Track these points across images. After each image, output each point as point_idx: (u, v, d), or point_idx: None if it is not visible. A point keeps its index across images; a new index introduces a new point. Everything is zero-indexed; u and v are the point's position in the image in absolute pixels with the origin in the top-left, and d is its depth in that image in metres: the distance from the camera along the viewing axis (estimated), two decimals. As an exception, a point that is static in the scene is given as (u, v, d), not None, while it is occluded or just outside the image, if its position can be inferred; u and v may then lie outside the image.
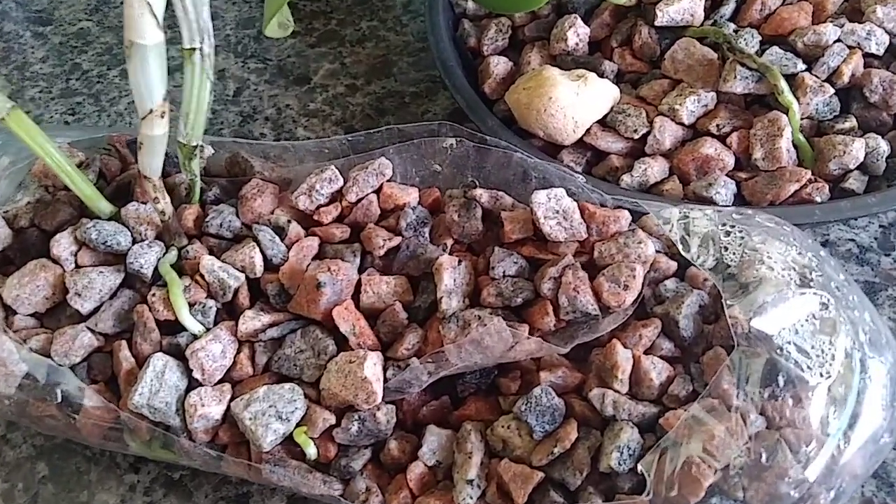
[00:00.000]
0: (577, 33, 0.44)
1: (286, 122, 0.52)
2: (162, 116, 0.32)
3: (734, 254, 0.30)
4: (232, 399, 0.34)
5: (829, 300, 0.28)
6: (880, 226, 0.42)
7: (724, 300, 0.29)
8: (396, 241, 0.36)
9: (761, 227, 0.31)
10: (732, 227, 0.31)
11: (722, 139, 0.40)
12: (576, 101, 0.41)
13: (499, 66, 0.45)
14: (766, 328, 0.28)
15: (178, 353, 0.34)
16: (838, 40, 0.41)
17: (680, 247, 0.31)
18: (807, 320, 0.28)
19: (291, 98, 0.53)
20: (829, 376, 0.27)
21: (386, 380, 0.33)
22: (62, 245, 0.36)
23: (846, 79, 0.40)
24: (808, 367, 0.27)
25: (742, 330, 0.28)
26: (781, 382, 0.27)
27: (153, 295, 0.35)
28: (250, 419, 0.32)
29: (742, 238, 0.30)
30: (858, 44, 0.41)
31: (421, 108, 0.52)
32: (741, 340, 0.28)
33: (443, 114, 0.51)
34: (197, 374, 0.34)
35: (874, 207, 0.37)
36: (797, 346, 0.28)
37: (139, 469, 0.38)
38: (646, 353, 0.33)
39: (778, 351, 0.27)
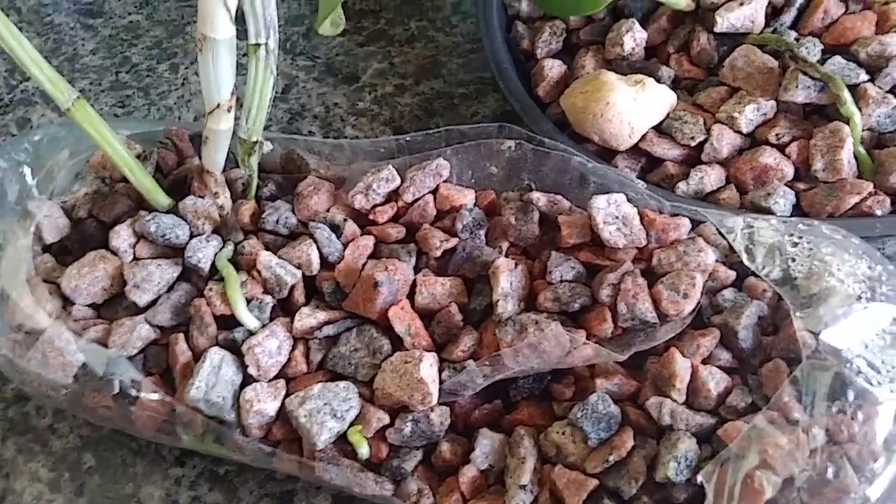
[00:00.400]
0: (633, 38, 0.44)
1: (334, 120, 0.52)
2: (229, 111, 0.32)
3: (802, 265, 0.29)
4: (286, 396, 0.34)
5: (900, 315, 0.28)
6: (941, 240, 0.42)
7: (792, 312, 0.28)
8: (453, 242, 0.36)
9: (828, 239, 0.30)
10: (800, 237, 0.30)
11: (781, 149, 0.40)
12: (633, 107, 0.40)
13: (553, 69, 0.45)
14: (836, 341, 0.27)
15: (235, 348, 0.34)
16: (903, 51, 0.40)
17: (745, 257, 0.31)
18: (877, 335, 0.28)
19: (340, 97, 0.53)
20: (900, 393, 0.27)
21: (441, 381, 0.33)
22: (121, 237, 0.37)
23: (910, 91, 0.40)
24: (879, 383, 0.27)
25: (810, 342, 0.28)
26: (850, 397, 0.27)
27: (210, 289, 0.35)
28: (305, 417, 0.33)
29: (810, 249, 0.30)
30: (923, 55, 0.40)
31: (470, 109, 0.51)
32: (809, 353, 0.27)
33: (492, 116, 0.51)
34: (252, 370, 0.34)
35: (937, 222, 0.37)
36: (867, 361, 0.27)
37: (185, 463, 0.38)
38: (703, 362, 0.33)
39: (847, 365, 0.27)
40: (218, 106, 0.31)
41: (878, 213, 0.38)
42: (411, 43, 0.56)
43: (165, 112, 0.54)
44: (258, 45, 0.32)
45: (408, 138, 0.39)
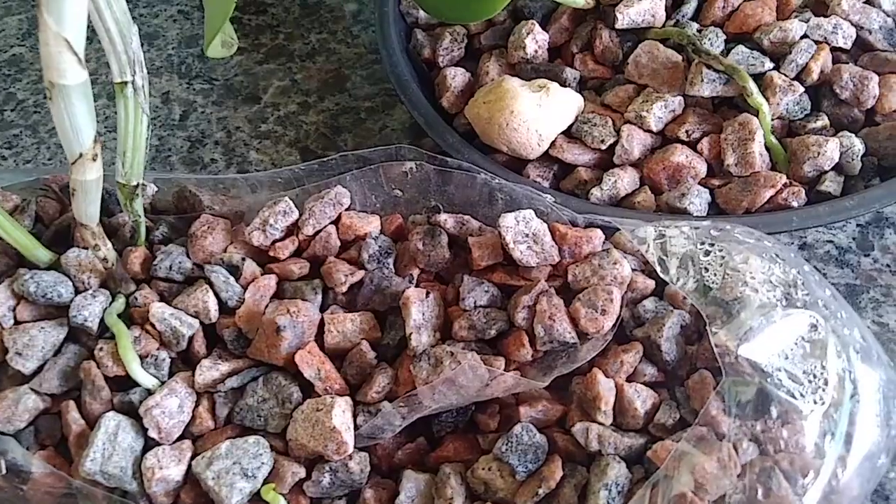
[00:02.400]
0: (535, 40, 0.42)
1: (237, 145, 0.50)
2: (94, 160, 0.30)
3: (715, 275, 0.28)
4: (193, 457, 0.31)
5: (817, 320, 0.27)
6: (858, 225, 0.41)
7: (707, 326, 0.27)
8: (359, 275, 0.34)
9: (741, 244, 0.29)
10: (711, 245, 0.29)
11: (692, 145, 0.39)
12: (539, 114, 0.39)
13: (456, 78, 0.43)
14: (755, 355, 0.26)
15: (132, 411, 0.32)
16: (805, 36, 0.40)
17: (658, 269, 0.30)
18: (796, 343, 0.27)
19: (241, 120, 0.51)
20: (823, 402, 0.26)
21: (357, 427, 0.31)
22: (-2, 300, 0.34)
23: (815, 76, 0.39)
24: (801, 395, 0.26)
25: (729, 358, 0.26)
26: (774, 413, 0.26)
27: (101, 349, 0.33)
28: (213, 479, 0.30)
29: (723, 258, 0.28)
30: (825, 38, 0.40)
31: (378, 123, 0.49)
32: (729, 370, 0.26)
33: (401, 128, 0.49)
34: (153, 434, 0.31)
35: (852, 211, 0.36)
36: (788, 373, 0.26)
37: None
38: (628, 380, 0.31)
39: (768, 379, 0.26)
40: (81, 156, 0.29)
41: (794, 204, 0.37)
42: (312, 57, 0.54)
43: (56, 150, 0.51)
44: (124, 83, 0.30)
45: (304, 167, 0.36)
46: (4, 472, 0.31)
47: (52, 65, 0.26)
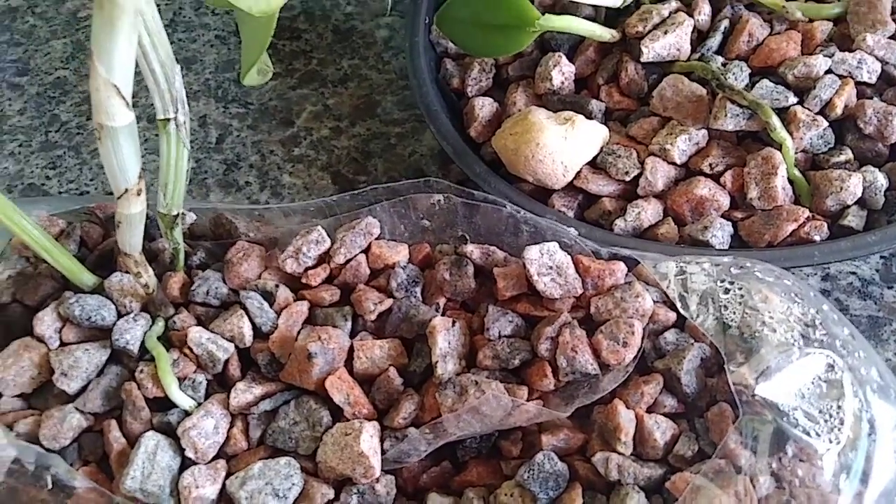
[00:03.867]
0: (561, 72, 0.43)
1: (271, 168, 0.51)
2: (138, 194, 0.31)
3: (734, 313, 0.29)
4: (227, 476, 0.33)
5: (834, 360, 0.27)
6: (881, 257, 0.42)
7: (726, 364, 0.28)
8: (388, 303, 0.35)
9: (761, 282, 0.30)
10: (731, 283, 0.30)
11: (716, 178, 0.40)
12: (564, 146, 0.40)
13: (484, 108, 0.44)
14: (772, 394, 0.27)
15: (170, 431, 0.33)
16: (829, 71, 0.40)
17: (678, 305, 0.31)
18: (812, 383, 0.27)
19: (275, 143, 0.52)
20: (839, 442, 0.26)
21: (384, 451, 0.32)
22: (45, 323, 0.35)
23: (839, 111, 0.40)
24: (818, 434, 0.26)
25: (747, 397, 0.27)
26: (791, 451, 0.27)
27: (141, 371, 0.34)
28: (246, 499, 0.32)
29: (742, 297, 0.29)
30: (850, 73, 0.40)
31: (408, 148, 0.51)
32: (746, 408, 0.27)
33: (430, 154, 0.50)
34: (190, 453, 0.33)
35: (874, 247, 0.36)
36: (804, 412, 0.27)
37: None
38: (648, 410, 0.32)
39: (785, 418, 0.27)
40: (126, 191, 0.30)
41: (817, 238, 0.38)
42: (344, 83, 0.55)
43: (98, 171, 0.53)
44: (167, 119, 0.31)
45: (334, 198, 0.38)
46: (50, 486, 0.33)
47: (102, 108, 0.27)
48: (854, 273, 0.42)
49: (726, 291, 0.30)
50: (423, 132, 0.51)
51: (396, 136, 0.51)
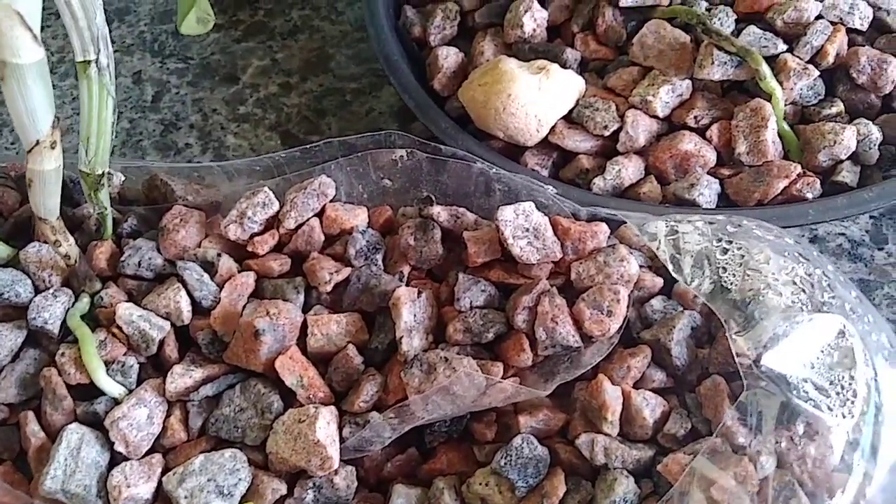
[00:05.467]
0: (533, 18, 0.40)
1: (214, 128, 0.47)
2: (52, 147, 0.27)
3: (734, 275, 0.26)
4: (164, 472, 0.29)
5: (845, 326, 0.25)
6: (871, 217, 0.39)
7: (728, 333, 0.25)
8: (346, 272, 0.31)
9: (761, 241, 0.27)
10: (729, 243, 0.27)
11: (701, 132, 0.37)
12: (538, 97, 0.36)
13: (448, 58, 0.40)
14: (779, 365, 0.24)
15: (97, 423, 0.29)
16: (820, 16, 0.37)
17: (670, 268, 0.28)
18: (822, 351, 0.24)
19: (218, 101, 0.48)
20: (852, 416, 0.24)
21: (343, 439, 0.29)
22: (-50, 300, 0.31)
23: (831, 59, 0.37)
24: (829, 408, 0.24)
25: (751, 368, 0.24)
26: (800, 428, 0.24)
27: (62, 354, 0.30)
28: (186, 498, 0.28)
29: (742, 256, 0.26)
30: (841, 19, 0.38)
31: (364, 106, 0.47)
32: (751, 381, 0.24)
33: (389, 111, 0.46)
34: (120, 447, 0.29)
35: (871, 203, 0.34)
36: (814, 384, 0.24)
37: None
38: (636, 386, 0.29)
39: (794, 392, 0.24)
40: (37, 143, 0.26)
41: (809, 196, 0.35)
42: (294, 35, 0.51)
43: (13, 139, 0.48)
44: (87, 62, 0.27)
45: (284, 154, 0.34)
46: (-43, 489, 0.29)
47: (4, 42, 0.23)
48: (843, 234, 0.39)
49: (724, 252, 0.27)
50: (382, 88, 0.47)
51: (352, 92, 0.47)
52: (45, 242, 0.32)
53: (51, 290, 0.31)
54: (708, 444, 0.26)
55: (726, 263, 0.26)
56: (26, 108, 0.25)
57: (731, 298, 0.26)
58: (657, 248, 0.28)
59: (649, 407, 0.28)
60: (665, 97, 0.37)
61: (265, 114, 0.47)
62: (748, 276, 0.26)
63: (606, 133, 0.37)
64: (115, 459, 0.29)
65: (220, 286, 0.32)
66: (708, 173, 0.36)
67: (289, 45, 0.50)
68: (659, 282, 0.31)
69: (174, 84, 0.49)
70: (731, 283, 0.26)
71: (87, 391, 0.30)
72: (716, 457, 0.26)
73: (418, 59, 0.43)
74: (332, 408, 0.29)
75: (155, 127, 0.47)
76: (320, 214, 0.33)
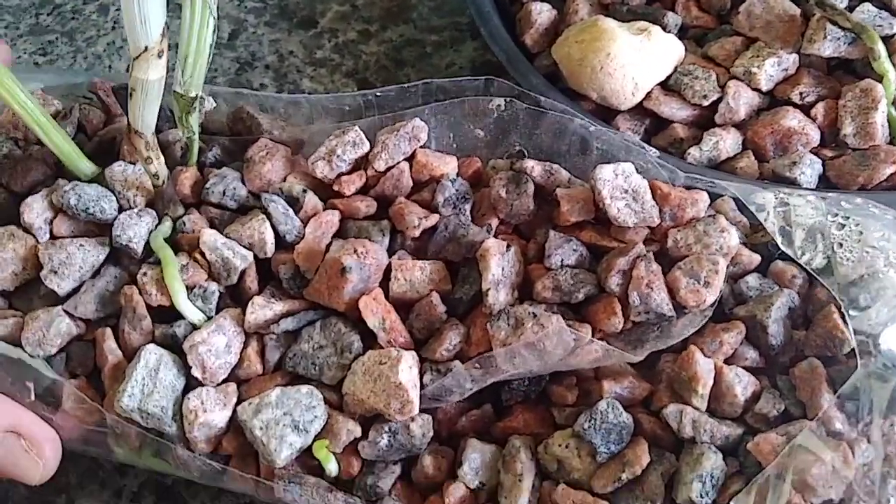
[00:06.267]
0: (634, -21, 0.38)
1: (289, 71, 0.46)
2: (159, 56, 0.26)
3: (850, 251, 0.25)
4: (238, 402, 0.28)
5: (968, 312, 0.23)
6: (971, 214, 0.38)
7: (844, 310, 0.24)
8: (433, 219, 0.31)
9: (879, 220, 0.26)
10: (846, 218, 0.26)
11: (805, 110, 0.35)
12: (637, 59, 0.35)
13: (542, 14, 0.39)
14: (897, 346, 0.23)
15: (175, 346, 0.29)
16: (941, -2, 0.36)
17: (779, 240, 0.26)
18: (944, 336, 0.23)
19: (295, 44, 0.47)
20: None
21: (423, 386, 0.28)
22: (35, 211, 0.31)
23: (950, 44, 0.35)
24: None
25: (867, 348, 0.23)
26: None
27: (144, 274, 0.30)
28: (261, 429, 0.27)
29: (860, 232, 0.25)
30: (962, 3, 0.36)
31: (445, 59, 0.46)
32: (867, 361, 0.23)
33: (470, 67, 0.45)
34: (197, 372, 0.28)
35: (983, 196, 0.32)
36: (934, 370, 0.23)
37: (126, 472, 0.33)
38: (727, 362, 0.28)
39: (913, 377, 0.23)
40: (145, 49, 0.25)
41: (915, 184, 0.34)
42: (377, -18, 0.50)
43: (94, 61, 0.47)
44: (194, -22, 0.26)
45: (378, 93, 0.33)
46: (33, 398, 0.29)
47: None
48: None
49: (840, 227, 0.26)
50: (464, 42, 0.46)
51: (433, 44, 0.46)
52: (134, 162, 0.31)
53: (135, 210, 0.31)
54: (807, 426, 0.25)
55: (843, 239, 0.25)
56: (140, 12, 0.25)
57: (844, 274, 0.25)
58: (765, 220, 0.27)
59: (741, 384, 0.27)
60: (770, 70, 0.35)
61: (343, 60, 0.46)
62: (866, 253, 0.25)
63: (705, 103, 0.36)
64: (190, 385, 0.29)
65: (305, 222, 0.31)
66: (810, 153, 0.35)
67: (370, -9, 0.49)
68: (756, 258, 0.30)
69: (251, 23, 0.48)
70: (847, 259, 0.25)
71: (166, 314, 0.29)
72: (813, 441, 0.25)
73: (508, 15, 0.41)
74: (414, 353, 0.28)
75: (230, 65, 0.46)
76: (410, 159, 0.32)
